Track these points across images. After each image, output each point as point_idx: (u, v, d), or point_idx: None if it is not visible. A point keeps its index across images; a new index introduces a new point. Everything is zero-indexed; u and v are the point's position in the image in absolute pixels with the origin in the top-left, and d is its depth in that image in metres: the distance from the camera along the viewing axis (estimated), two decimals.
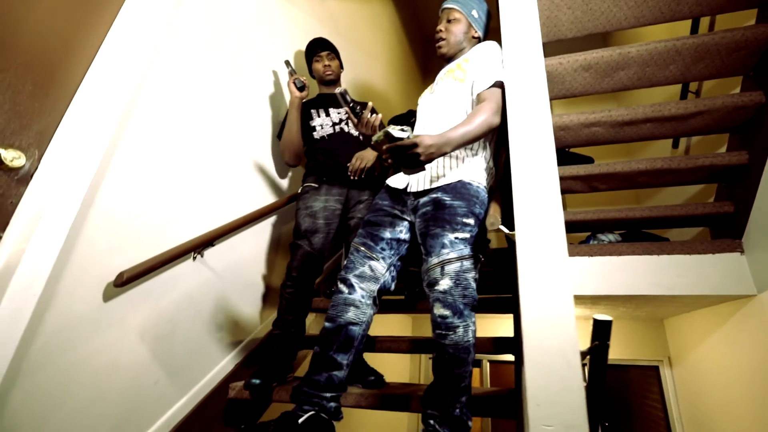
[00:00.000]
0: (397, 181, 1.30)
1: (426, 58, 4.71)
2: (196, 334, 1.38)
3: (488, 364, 4.54)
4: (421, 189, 1.24)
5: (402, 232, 1.25)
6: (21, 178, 0.99)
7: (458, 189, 1.20)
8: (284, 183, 2.01)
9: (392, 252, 1.23)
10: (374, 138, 1.00)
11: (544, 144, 1.09)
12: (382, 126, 1.35)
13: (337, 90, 1.29)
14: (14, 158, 0.96)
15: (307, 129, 1.83)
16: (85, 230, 1.05)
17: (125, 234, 1.15)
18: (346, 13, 2.70)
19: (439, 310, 1.07)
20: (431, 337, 1.77)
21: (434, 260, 1.11)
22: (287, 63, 1.86)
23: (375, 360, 2.19)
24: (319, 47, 1.90)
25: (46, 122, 1.04)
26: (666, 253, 1.84)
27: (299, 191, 1.75)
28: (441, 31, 1.41)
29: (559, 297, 0.93)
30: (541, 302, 0.93)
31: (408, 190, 1.26)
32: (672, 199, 2.86)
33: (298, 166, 1.90)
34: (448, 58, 1.44)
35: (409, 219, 1.27)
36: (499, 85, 1.23)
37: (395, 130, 0.99)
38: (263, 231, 1.80)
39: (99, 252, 1.08)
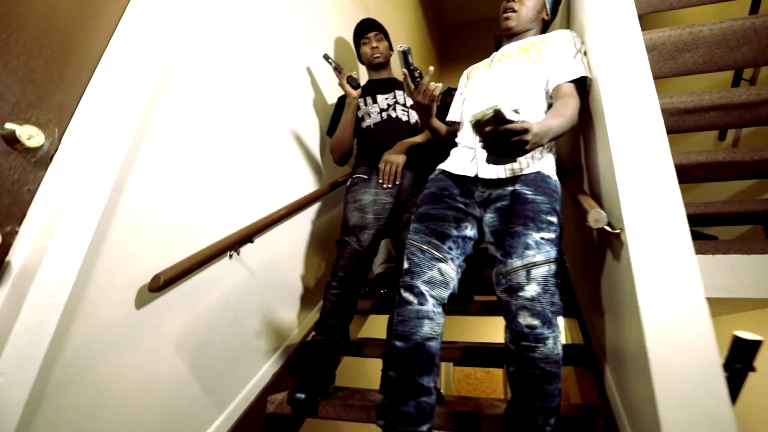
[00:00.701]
0: (463, 166, 1.14)
1: (443, 46, 4.54)
2: (234, 341, 1.22)
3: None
4: (493, 178, 1.08)
5: (468, 228, 1.11)
6: (39, 161, 0.81)
7: (538, 182, 1.07)
8: (325, 170, 1.86)
9: (459, 252, 1.08)
10: (477, 115, 0.83)
11: (654, 127, 0.94)
12: (442, 98, 1.22)
13: (400, 47, 1.12)
14: (31, 136, 0.79)
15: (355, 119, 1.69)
16: (114, 224, 0.88)
17: (158, 229, 0.98)
18: None
19: (527, 320, 0.93)
20: (484, 343, 1.64)
21: (517, 263, 0.97)
22: (327, 57, 1.66)
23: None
24: (366, 28, 1.73)
25: (67, 93, 0.87)
26: (722, 253, 1.71)
27: (348, 183, 1.59)
28: (514, 1, 1.25)
29: (691, 307, 0.79)
30: (667, 315, 0.79)
31: (479, 176, 1.09)
32: (707, 196, 2.73)
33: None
34: (511, 35, 1.29)
35: (474, 213, 1.12)
36: (577, 82, 1.12)
37: (508, 111, 0.82)
38: (300, 224, 1.64)
39: (130, 250, 0.91)
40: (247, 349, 1.29)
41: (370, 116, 1.66)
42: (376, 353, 1.55)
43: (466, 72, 1.39)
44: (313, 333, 1.43)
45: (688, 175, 1.89)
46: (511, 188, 1.07)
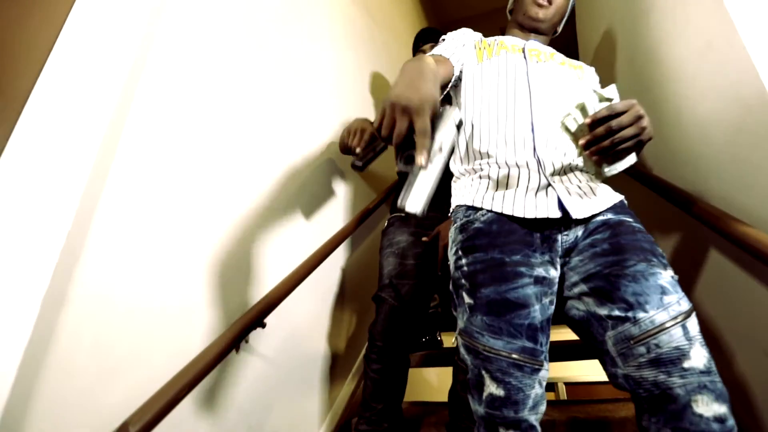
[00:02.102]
0: (531, 204, 0.78)
1: None
2: None
3: (564, 386, 4.07)
4: (584, 215, 0.77)
5: (553, 301, 0.77)
6: None
7: (626, 210, 0.82)
8: (350, 199, 1.54)
9: (547, 340, 0.74)
10: (565, 119, 0.67)
11: None
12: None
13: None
14: None
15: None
16: (54, 343, 0.57)
17: (128, 334, 0.67)
18: None
19: (712, 407, 0.59)
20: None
21: (661, 316, 0.65)
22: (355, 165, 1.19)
23: None
24: (421, 40, 1.49)
25: None
26: None
27: (385, 224, 1.29)
28: None
29: None
30: None
31: (573, 216, 0.76)
32: None
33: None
34: (532, 31, 1.02)
35: (554, 274, 0.77)
36: None
37: (599, 92, 0.66)
38: (324, 276, 1.32)
39: (82, 386, 0.60)
40: None
41: None
42: None
43: (472, 39, 1.00)
44: (355, 420, 1.11)
45: None
46: (602, 218, 0.78)
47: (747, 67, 0.80)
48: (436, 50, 0.93)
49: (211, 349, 0.76)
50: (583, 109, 0.67)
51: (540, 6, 0.98)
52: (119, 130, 0.70)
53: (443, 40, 0.98)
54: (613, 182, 0.86)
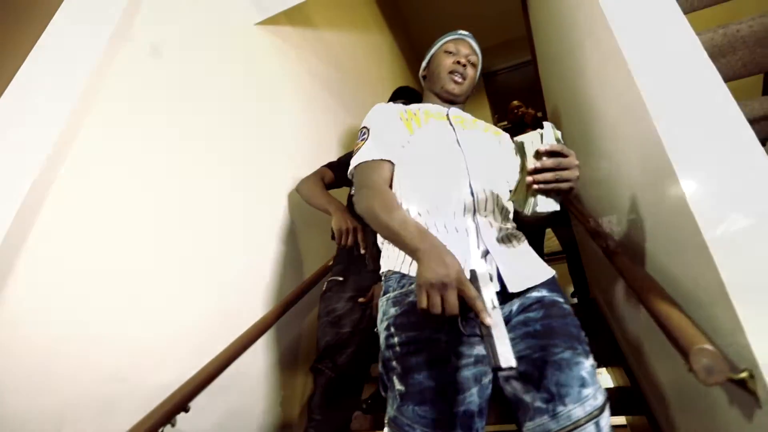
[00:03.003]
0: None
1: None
2: None
3: None
4: (520, 289, 0.78)
5: (489, 379, 0.74)
6: None
7: (556, 284, 0.83)
8: (293, 269, 1.53)
9: (483, 425, 0.72)
10: (525, 138, 0.71)
11: None
12: None
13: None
14: None
15: (348, 182, 1.42)
16: None
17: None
18: (345, 46, 2.33)
19: None
20: None
21: (577, 412, 0.65)
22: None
23: None
24: (399, 97, 1.59)
25: None
26: None
27: (323, 288, 1.28)
28: (467, 65, 1.05)
29: None
30: None
31: (510, 290, 0.76)
32: None
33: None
34: (448, 101, 1.07)
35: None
36: None
37: (555, 131, 0.71)
38: (267, 348, 1.30)
39: None
40: None
41: None
42: None
43: (395, 115, 0.99)
44: None
45: None
46: (536, 294, 0.79)
47: (655, 140, 0.79)
48: (372, 151, 0.91)
49: None
50: (541, 137, 0.72)
51: (456, 83, 1.04)
52: (40, 205, 0.73)
53: (367, 129, 0.96)
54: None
